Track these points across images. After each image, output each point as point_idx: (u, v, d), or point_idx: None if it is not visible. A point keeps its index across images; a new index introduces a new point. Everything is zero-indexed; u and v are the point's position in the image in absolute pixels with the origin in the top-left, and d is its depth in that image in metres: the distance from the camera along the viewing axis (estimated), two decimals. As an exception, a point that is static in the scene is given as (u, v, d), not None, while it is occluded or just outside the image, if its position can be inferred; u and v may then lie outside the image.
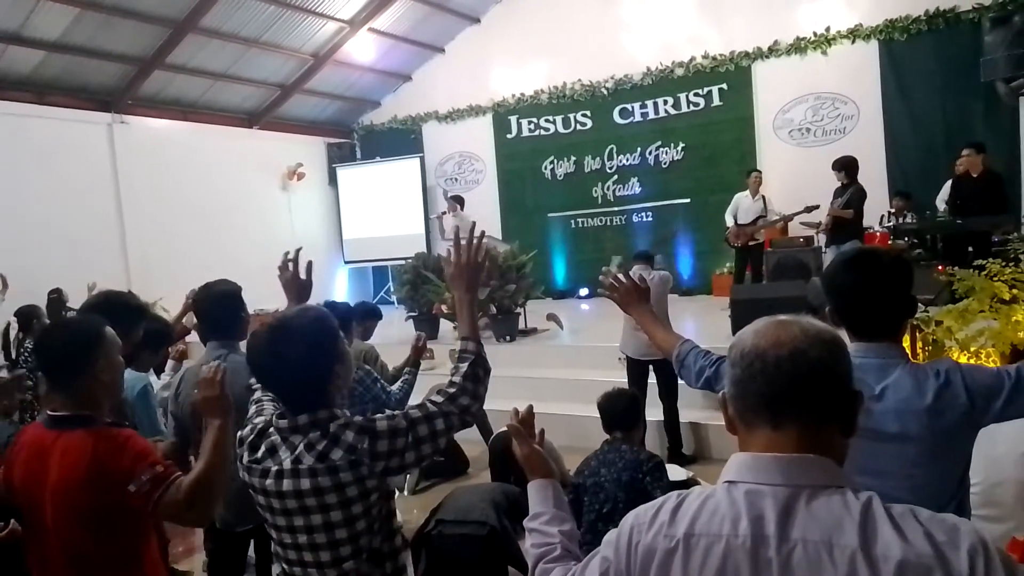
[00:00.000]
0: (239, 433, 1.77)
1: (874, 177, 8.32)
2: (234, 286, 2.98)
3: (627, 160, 10.91)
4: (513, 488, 3.71)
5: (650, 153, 10.72)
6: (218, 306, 2.93)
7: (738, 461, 1.08)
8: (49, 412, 1.93)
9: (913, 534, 0.96)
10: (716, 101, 10.19)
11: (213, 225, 10.67)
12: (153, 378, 3.50)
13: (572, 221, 11.35)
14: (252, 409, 1.86)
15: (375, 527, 1.67)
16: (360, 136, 13.34)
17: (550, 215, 11.42)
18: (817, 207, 7.78)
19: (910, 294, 1.82)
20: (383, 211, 12.22)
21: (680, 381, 5.11)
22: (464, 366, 1.78)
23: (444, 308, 8.05)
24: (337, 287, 12.90)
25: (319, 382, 1.66)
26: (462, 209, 10.02)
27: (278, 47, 10.47)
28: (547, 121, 11.47)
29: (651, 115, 10.66)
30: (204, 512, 1.85)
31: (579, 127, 11.25)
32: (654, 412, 5.46)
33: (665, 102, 10.52)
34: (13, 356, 5.31)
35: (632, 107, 10.78)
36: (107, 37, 8.90)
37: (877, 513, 0.98)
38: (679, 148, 10.51)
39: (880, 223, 8.51)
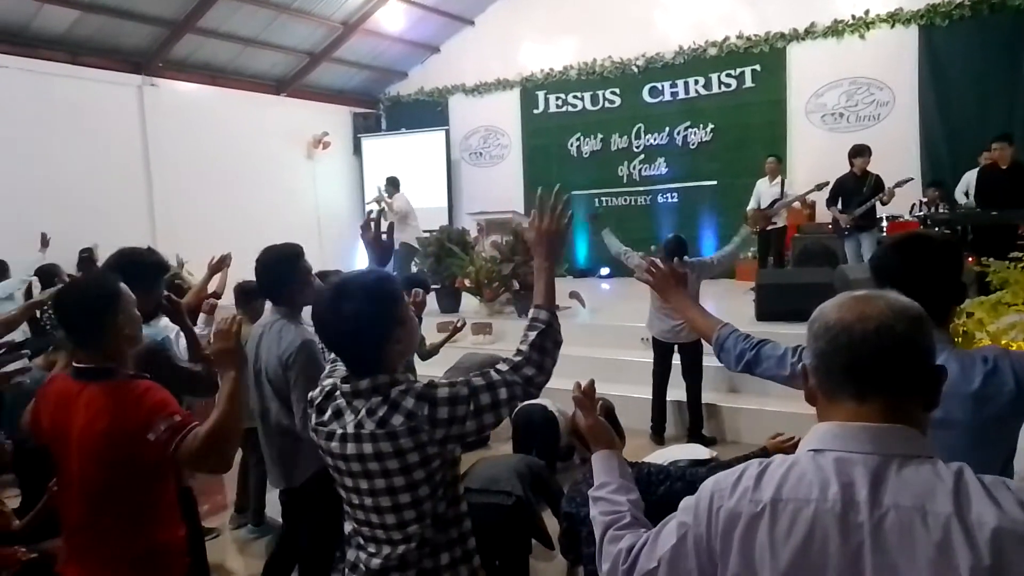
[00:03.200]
0: (310, 394, 1.79)
1: (907, 165, 8.19)
2: (285, 248, 2.94)
3: (654, 140, 10.82)
4: (537, 460, 3.75)
5: (678, 133, 10.62)
6: (271, 269, 2.91)
7: (823, 430, 1.10)
8: (75, 364, 1.98)
9: (1007, 502, 0.97)
10: (748, 83, 10.05)
11: (238, 190, 10.74)
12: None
13: (596, 200, 11.30)
14: (327, 370, 1.88)
15: (438, 493, 1.66)
16: (386, 107, 13.31)
17: (574, 193, 11.32)
18: (827, 184, 7.70)
19: (959, 279, 1.80)
20: (407, 183, 12.18)
21: (705, 363, 5.17)
22: (532, 335, 1.73)
23: (466, 282, 8.07)
24: (358, 258, 12.95)
25: (378, 344, 1.65)
26: (397, 191, 9.81)
27: (309, 14, 10.43)
28: (575, 97, 11.38)
29: (681, 95, 10.55)
30: (221, 459, 1.89)
31: (607, 104, 11.15)
32: (676, 393, 5.48)
33: (696, 82, 10.40)
34: (37, 314, 5.37)
35: (662, 86, 10.66)
36: (139, -2, 8.92)
37: (969, 481, 1.00)
38: (708, 129, 10.40)
39: (911, 212, 8.40)
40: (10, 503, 3.47)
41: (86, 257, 7.37)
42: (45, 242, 6.99)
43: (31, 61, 8.69)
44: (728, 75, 10.16)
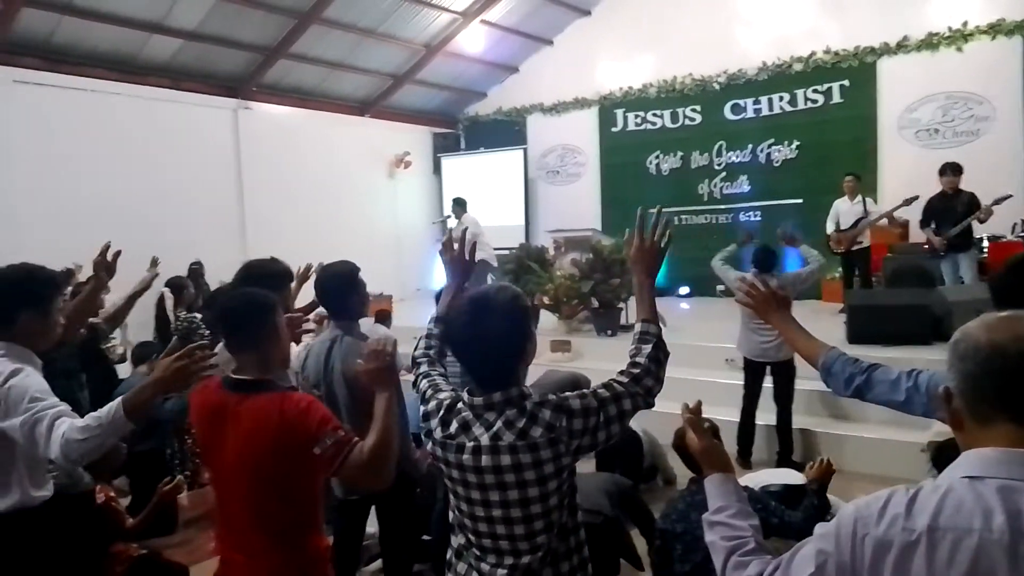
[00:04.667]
0: (424, 408, 1.82)
1: (1008, 182, 7.76)
2: (349, 266, 3.07)
3: (736, 157, 10.63)
4: (624, 479, 3.71)
5: (761, 150, 10.41)
6: (333, 286, 3.02)
7: (980, 456, 1.06)
8: (231, 375, 2.03)
9: None
10: (836, 98, 9.77)
11: (323, 208, 11.09)
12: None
13: (676, 218, 11.13)
14: (424, 383, 1.89)
15: (564, 502, 1.69)
16: (465, 126, 13.54)
17: (652, 211, 11.20)
18: (916, 198, 7.35)
19: None
20: (485, 201, 12.36)
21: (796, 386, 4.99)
22: (647, 348, 1.79)
23: (545, 299, 8.09)
24: (436, 276, 13.16)
25: (512, 359, 1.69)
26: (465, 212, 9.89)
27: (393, 37, 10.75)
28: (654, 115, 11.31)
29: (764, 111, 10.34)
30: (383, 473, 1.90)
31: (687, 122, 11.03)
32: (765, 416, 5.32)
33: (780, 98, 10.18)
34: (171, 321, 5.72)
35: (744, 103, 10.48)
36: (238, 26, 9.38)
37: None
38: (793, 146, 10.15)
39: (1013, 231, 7.96)
40: (122, 503, 3.67)
41: (195, 269, 7.76)
42: (154, 264, 7.35)
43: (138, 87, 9.24)
44: (815, 91, 9.90)
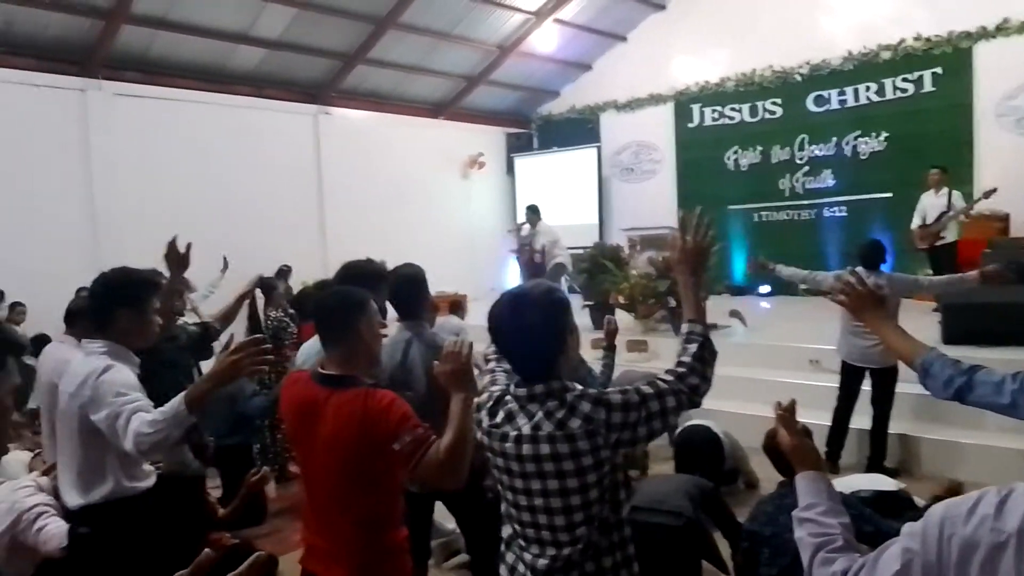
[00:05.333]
0: (476, 399, 1.88)
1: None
2: (416, 269, 3.14)
3: (820, 150, 10.26)
4: (706, 481, 3.63)
5: (847, 143, 10.00)
6: (402, 288, 3.08)
7: None
8: (320, 370, 2.13)
9: None
10: (928, 87, 9.30)
11: (399, 210, 11.31)
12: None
13: (755, 215, 10.85)
14: (486, 379, 1.98)
15: (606, 496, 1.72)
16: (538, 126, 13.55)
17: (730, 207, 10.96)
18: (995, 190, 6.90)
19: None
20: (558, 200, 12.34)
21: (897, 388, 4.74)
22: (693, 347, 1.81)
23: (620, 298, 8.00)
24: (509, 275, 13.22)
25: (552, 352, 1.75)
26: (539, 220, 9.69)
27: (466, 39, 10.86)
28: (732, 109, 11.04)
29: (850, 102, 9.93)
30: (459, 473, 1.94)
31: (767, 115, 10.72)
32: (860, 420, 5.11)
33: (867, 88, 9.76)
34: (263, 323, 5.98)
35: (828, 94, 10.10)
36: (318, 34, 9.67)
37: None
38: (881, 138, 9.72)
39: None
40: (213, 494, 3.83)
41: (284, 271, 8.06)
42: (225, 264, 7.67)
43: (224, 96, 9.67)
44: (904, 79, 9.44)
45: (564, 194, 12.40)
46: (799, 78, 10.33)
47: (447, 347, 1.99)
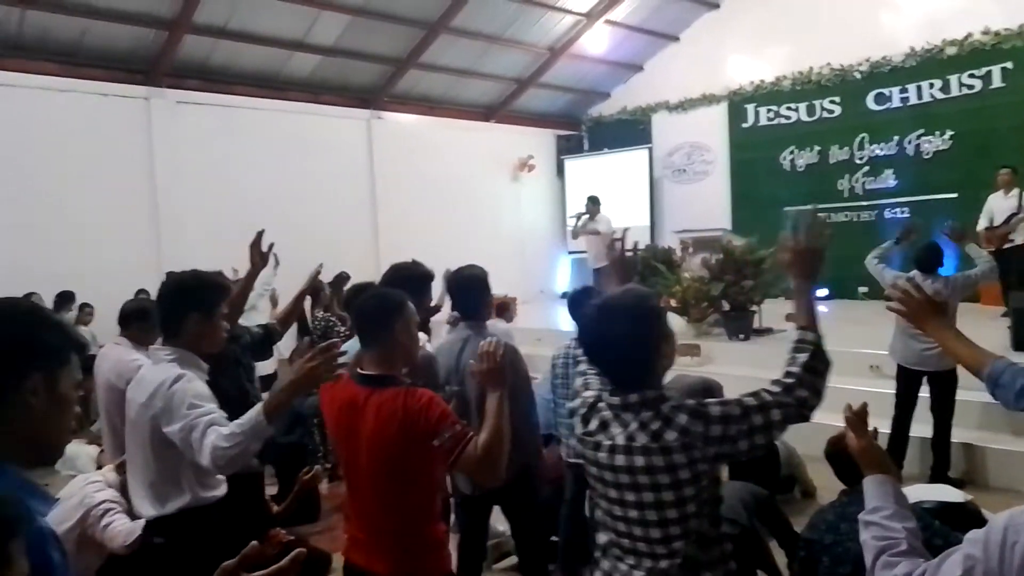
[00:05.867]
0: (569, 405, 1.87)
1: None
2: (480, 270, 3.16)
3: (881, 150, 9.95)
4: (761, 490, 3.54)
5: (909, 142, 9.68)
6: (463, 289, 3.12)
7: None
8: (360, 371, 2.17)
9: None
10: (996, 83, 8.93)
11: (450, 212, 11.40)
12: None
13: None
14: (579, 382, 1.91)
15: (704, 510, 1.66)
16: (588, 128, 13.49)
17: (786, 209, 10.67)
18: None
19: None
20: (610, 202, 12.25)
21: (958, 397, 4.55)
22: (803, 356, 1.69)
23: (672, 301, 7.89)
24: (559, 278, 13.20)
25: (644, 360, 1.68)
26: (599, 210, 9.70)
27: (518, 42, 10.90)
28: (788, 109, 10.80)
29: (912, 100, 9.61)
30: (496, 469, 2.00)
31: (825, 114, 10.45)
32: (920, 428, 4.93)
33: (931, 85, 9.43)
34: (309, 322, 6.13)
35: (890, 92, 9.78)
36: (371, 40, 9.83)
37: None
38: (946, 136, 9.37)
39: None
40: (268, 491, 3.90)
41: (343, 276, 8.20)
42: (277, 261, 7.79)
43: (280, 103, 9.91)
44: (971, 75, 9.09)
45: (615, 196, 12.23)
46: (859, 76, 10.05)
47: (482, 347, 2.02)
